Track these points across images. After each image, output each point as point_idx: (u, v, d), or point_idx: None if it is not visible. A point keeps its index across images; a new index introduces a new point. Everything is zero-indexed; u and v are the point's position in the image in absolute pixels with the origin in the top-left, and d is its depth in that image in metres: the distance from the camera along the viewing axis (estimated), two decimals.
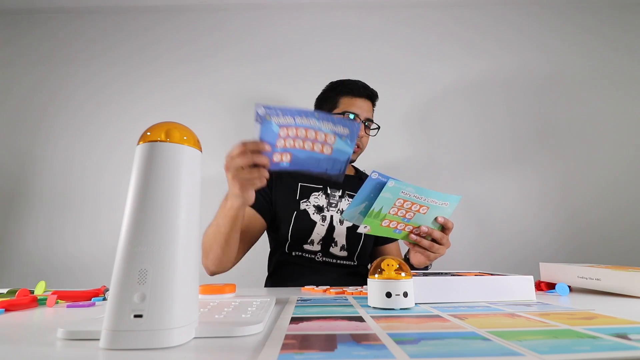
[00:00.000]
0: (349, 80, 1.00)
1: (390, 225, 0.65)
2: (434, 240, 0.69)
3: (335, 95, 0.99)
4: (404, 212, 0.63)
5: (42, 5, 1.52)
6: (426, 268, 0.82)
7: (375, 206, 0.61)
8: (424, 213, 0.65)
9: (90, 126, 1.46)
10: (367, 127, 0.97)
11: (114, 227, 1.36)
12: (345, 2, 1.53)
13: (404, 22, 1.53)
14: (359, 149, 0.97)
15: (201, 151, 0.33)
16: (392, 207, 0.62)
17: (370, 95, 0.99)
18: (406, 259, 0.83)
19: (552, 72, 1.47)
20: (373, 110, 1.01)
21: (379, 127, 1.00)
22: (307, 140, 0.60)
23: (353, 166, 1.08)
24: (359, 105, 0.96)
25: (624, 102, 1.43)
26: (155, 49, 1.52)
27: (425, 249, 0.70)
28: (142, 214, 0.28)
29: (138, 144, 0.31)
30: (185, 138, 0.31)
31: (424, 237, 0.69)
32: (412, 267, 0.81)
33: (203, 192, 0.33)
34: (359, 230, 0.65)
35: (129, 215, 0.28)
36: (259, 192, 0.93)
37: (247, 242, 0.88)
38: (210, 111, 1.47)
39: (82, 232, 1.37)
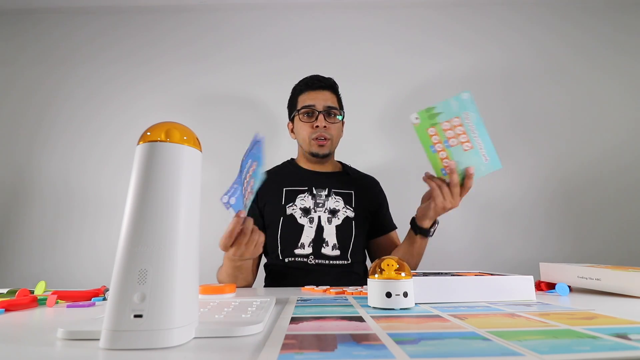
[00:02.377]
0: (305, 77, 1.00)
1: (432, 139, 0.66)
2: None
3: (295, 97, 1.00)
4: (452, 134, 0.64)
5: (41, 5, 1.52)
6: (428, 232, 0.83)
7: (438, 107, 0.62)
8: (466, 150, 0.66)
9: (90, 126, 1.46)
10: (328, 115, 0.94)
11: (114, 227, 1.36)
12: (345, 2, 1.53)
13: (398, 21, 1.53)
14: (326, 140, 0.94)
15: (201, 151, 0.33)
16: (446, 122, 0.63)
17: (328, 85, 0.97)
18: (412, 221, 0.85)
19: (547, 67, 1.47)
20: (337, 99, 0.99)
21: (343, 115, 0.99)
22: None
23: (340, 162, 1.08)
24: (313, 97, 0.95)
25: (619, 97, 1.43)
26: (155, 48, 1.52)
27: (438, 186, 0.72)
28: (142, 214, 0.28)
29: (138, 144, 0.31)
30: (185, 138, 0.31)
31: (443, 181, 0.72)
32: (415, 228, 0.83)
33: (203, 194, 0.33)
34: (410, 117, 0.66)
35: (129, 215, 0.28)
36: (250, 208, 0.94)
37: (257, 258, 0.96)
38: (210, 111, 1.47)
39: (82, 232, 1.37)
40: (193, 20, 1.54)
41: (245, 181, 0.60)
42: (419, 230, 0.82)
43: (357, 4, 1.54)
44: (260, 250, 0.68)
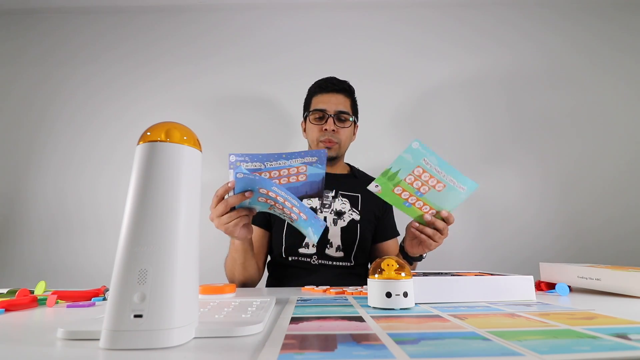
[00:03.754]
0: (321, 79, 1.00)
1: (402, 196, 0.64)
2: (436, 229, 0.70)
3: (310, 98, 1.00)
4: (420, 184, 0.62)
5: (42, 5, 1.52)
6: (421, 258, 0.83)
7: (394, 166, 0.61)
8: (440, 190, 0.63)
9: (90, 126, 1.46)
10: (338, 120, 0.94)
11: (115, 226, 1.36)
12: (344, 2, 1.53)
13: (402, 22, 1.53)
14: (333, 144, 0.95)
15: (201, 151, 0.33)
16: (409, 175, 0.61)
17: (341, 89, 0.97)
18: (401, 247, 0.84)
19: (550, 68, 1.47)
20: (351, 103, 0.99)
21: (354, 120, 0.99)
22: (282, 177, 0.63)
23: (348, 164, 1.08)
24: (326, 100, 0.95)
25: (623, 99, 1.43)
26: (155, 48, 1.52)
27: (429, 236, 0.70)
28: (142, 214, 0.28)
29: (138, 144, 0.31)
30: (185, 138, 0.31)
31: (429, 225, 0.69)
32: (406, 255, 0.82)
33: (204, 194, 0.33)
34: (369, 187, 0.65)
35: (129, 215, 0.28)
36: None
37: (263, 254, 0.95)
38: (210, 111, 1.47)
39: (82, 232, 1.37)
40: (192, 20, 1.54)
41: (275, 171, 0.59)
42: (411, 258, 0.83)
43: (363, 3, 1.53)
44: (245, 234, 0.68)
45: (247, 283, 0.85)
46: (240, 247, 0.78)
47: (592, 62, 1.47)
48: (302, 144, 1.31)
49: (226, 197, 0.63)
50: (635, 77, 1.45)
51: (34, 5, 1.52)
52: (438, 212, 0.68)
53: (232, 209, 0.63)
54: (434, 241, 0.71)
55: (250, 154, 0.59)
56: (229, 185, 0.60)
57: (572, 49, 1.48)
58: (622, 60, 1.46)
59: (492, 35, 1.50)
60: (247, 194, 0.59)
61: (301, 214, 0.59)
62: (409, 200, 0.65)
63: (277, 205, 0.61)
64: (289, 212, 0.61)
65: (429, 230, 0.70)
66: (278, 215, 0.66)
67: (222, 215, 0.63)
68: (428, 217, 0.68)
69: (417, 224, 0.69)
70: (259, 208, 0.64)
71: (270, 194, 0.59)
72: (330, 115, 0.94)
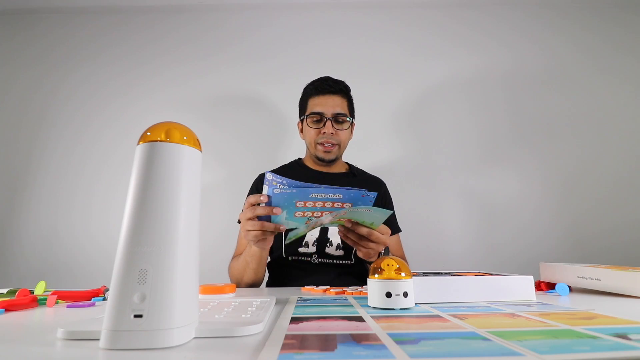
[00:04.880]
0: (316, 79, 0.99)
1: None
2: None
3: (305, 99, 0.99)
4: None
5: (40, 5, 1.52)
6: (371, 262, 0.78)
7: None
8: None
9: (90, 126, 1.45)
10: (336, 122, 0.94)
11: (115, 226, 1.36)
12: (344, 2, 1.53)
13: (401, 21, 1.53)
14: (333, 146, 0.95)
15: (201, 151, 0.33)
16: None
17: (337, 90, 0.96)
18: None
19: (551, 68, 1.47)
20: (348, 103, 0.98)
21: (352, 122, 0.98)
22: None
23: (347, 163, 1.08)
24: (323, 102, 0.94)
25: (623, 99, 1.43)
26: (155, 48, 1.52)
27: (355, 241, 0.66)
28: (142, 214, 0.28)
29: (138, 144, 0.31)
30: (185, 138, 0.31)
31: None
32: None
33: (203, 194, 0.33)
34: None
35: (129, 215, 0.28)
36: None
37: (265, 257, 0.93)
38: (209, 110, 1.47)
39: (82, 232, 1.37)
40: (192, 20, 1.54)
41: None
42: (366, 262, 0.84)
43: (362, 3, 1.53)
44: (263, 245, 0.66)
45: (252, 286, 0.85)
46: (258, 254, 0.77)
47: (593, 62, 1.47)
48: (299, 144, 1.30)
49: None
50: (636, 77, 1.45)
51: (32, 5, 1.52)
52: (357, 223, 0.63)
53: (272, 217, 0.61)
54: (362, 246, 0.65)
55: (287, 179, 0.56)
56: (262, 198, 0.58)
57: (573, 48, 1.48)
58: (623, 60, 1.46)
59: (492, 35, 1.50)
60: (275, 210, 0.57)
61: (344, 206, 0.57)
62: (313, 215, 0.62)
63: (314, 214, 0.59)
64: (333, 213, 0.58)
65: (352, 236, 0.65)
66: (318, 228, 0.62)
67: (248, 220, 0.61)
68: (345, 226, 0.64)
69: (342, 229, 0.65)
70: (292, 224, 0.61)
71: (307, 204, 0.57)
72: (328, 118, 0.93)
